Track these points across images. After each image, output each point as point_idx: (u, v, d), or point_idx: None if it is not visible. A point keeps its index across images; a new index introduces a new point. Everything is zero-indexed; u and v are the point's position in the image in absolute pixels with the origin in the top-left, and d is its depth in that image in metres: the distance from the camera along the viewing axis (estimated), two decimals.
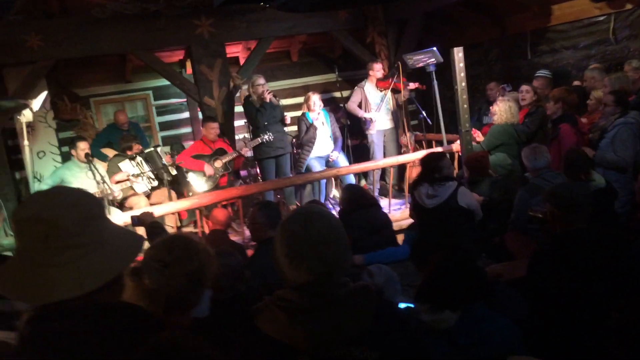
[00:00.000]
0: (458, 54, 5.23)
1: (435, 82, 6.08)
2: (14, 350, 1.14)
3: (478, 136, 5.76)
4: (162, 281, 1.58)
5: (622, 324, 1.61)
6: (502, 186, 4.83)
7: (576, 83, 5.67)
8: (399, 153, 7.43)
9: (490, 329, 2.13)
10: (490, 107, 5.71)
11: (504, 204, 4.56)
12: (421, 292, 2.26)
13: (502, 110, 5.26)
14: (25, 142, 5.26)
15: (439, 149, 5.97)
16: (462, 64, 5.26)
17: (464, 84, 5.32)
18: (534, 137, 5.36)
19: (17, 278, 1.11)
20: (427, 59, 6.05)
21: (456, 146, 5.91)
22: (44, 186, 5.64)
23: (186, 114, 8.56)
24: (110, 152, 6.69)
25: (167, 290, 1.58)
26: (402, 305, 2.56)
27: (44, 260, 1.10)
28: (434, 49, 5.91)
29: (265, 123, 6.28)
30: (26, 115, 5.20)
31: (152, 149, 6.40)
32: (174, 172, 6.28)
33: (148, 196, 6.18)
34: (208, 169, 6.11)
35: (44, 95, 5.50)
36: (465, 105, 5.37)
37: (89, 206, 1.16)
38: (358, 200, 4.31)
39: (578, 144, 4.65)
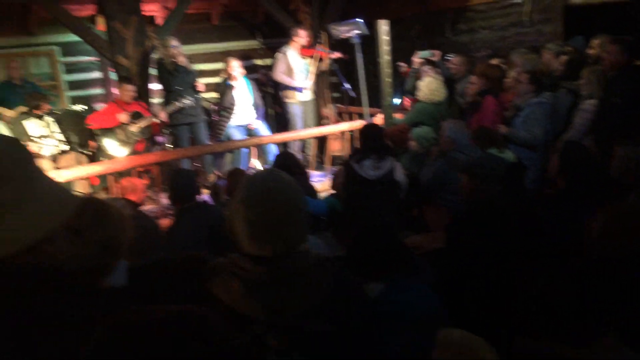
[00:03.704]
0: (383, 26, 5.25)
1: (359, 54, 6.08)
2: None
3: (408, 104, 5.86)
4: (71, 249, 1.43)
5: (546, 288, 1.69)
6: (423, 161, 4.97)
7: (494, 61, 5.87)
8: (319, 124, 7.44)
9: (414, 298, 2.17)
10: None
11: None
12: (345, 261, 2.27)
13: (423, 86, 5.35)
14: None
15: (361, 122, 6.01)
16: (387, 37, 5.30)
17: (387, 57, 5.37)
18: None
19: None
20: (351, 30, 6.03)
21: (378, 119, 5.98)
22: None
23: (98, 74, 8.02)
24: (2, 110, 6.15)
25: (80, 259, 1.43)
26: None
27: None
28: (359, 20, 5.91)
29: (179, 88, 6.02)
30: None
31: (71, 109, 5.98)
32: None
33: (55, 160, 5.79)
34: (122, 117, 5.72)
35: None
36: (389, 79, 5.44)
37: (5, 163, 1.02)
38: (290, 168, 4.28)
39: (497, 117, 4.83)
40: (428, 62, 6.44)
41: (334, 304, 1.40)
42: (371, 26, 5.83)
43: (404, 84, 7.10)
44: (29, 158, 1.09)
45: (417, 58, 6.50)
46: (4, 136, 1.12)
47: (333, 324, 1.37)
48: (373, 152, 4.11)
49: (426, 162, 4.62)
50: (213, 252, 2.57)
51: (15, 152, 1.06)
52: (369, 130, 4.32)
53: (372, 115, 6.37)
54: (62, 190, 1.13)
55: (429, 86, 5.37)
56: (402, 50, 7.66)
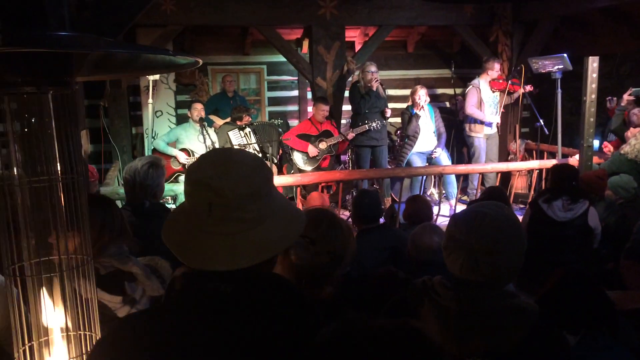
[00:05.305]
0: (593, 63, 4.90)
1: (559, 90, 5.77)
2: (164, 299, 1.16)
3: (608, 149, 5.44)
4: (307, 257, 1.57)
5: None
6: (620, 211, 4.51)
7: None
8: (504, 159, 7.16)
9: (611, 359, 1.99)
10: (629, 130, 5.32)
11: (620, 231, 4.26)
12: (540, 307, 2.15)
13: (638, 145, 4.91)
14: (150, 100, 5.57)
15: (554, 162, 5.65)
16: (595, 75, 4.93)
17: (594, 96, 4.99)
18: None
19: (180, 236, 1.12)
20: (554, 65, 5.72)
21: (573, 161, 5.57)
22: (160, 142, 5.95)
23: (295, 92, 8.70)
24: (215, 119, 6.95)
25: (311, 267, 1.57)
26: None
27: (205, 226, 1.08)
28: (565, 55, 5.59)
29: (366, 111, 6.25)
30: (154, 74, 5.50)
31: (266, 122, 6.58)
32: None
33: None
34: (312, 150, 6.19)
35: None
36: (592, 119, 5.04)
37: (258, 182, 1.11)
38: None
39: None
40: (638, 101, 5.86)
41: (528, 353, 1.36)
42: (576, 61, 5.48)
43: (606, 124, 6.54)
44: (271, 175, 1.18)
45: (627, 95, 5.95)
46: (253, 154, 1.23)
47: None
48: (565, 193, 3.84)
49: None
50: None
51: (263, 172, 1.15)
52: (563, 170, 4.03)
53: (565, 155, 5.96)
54: (292, 205, 1.23)
55: (637, 146, 4.92)
56: (605, 90, 7.07)
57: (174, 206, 5.05)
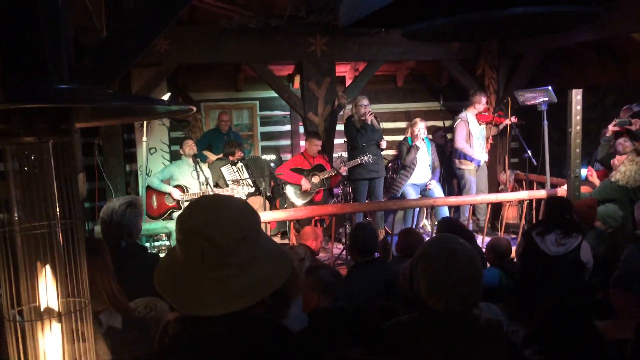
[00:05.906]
0: (577, 96, 5.04)
1: (545, 122, 5.90)
2: (158, 346, 1.20)
3: (592, 176, 5.53)
4: None
5: None
6: (610, 240, 4.57)
7: None
8: (494, 190, 7.26)
9: None
10: (616, 158, 5.41)
11: (610, 260, 4.32)
12: (531, 339, 2.20)
13: (623, 170, 5.01)
14: (144, 138, 5.65)
15: (542, 192, 5.75)
16: (579, 107, 5.07)
17: (578, 127, 5.12)
18: None
19: (174, 282, 1.16)
20: (540, 97, 5.86)
21: (561, 191, 5.67)
22: (154, 179, 6.01)
23: (287, 127, 8.82)
24: (209, 154, 7.03)
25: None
26: None
27: (198, 273, 1.12)
28: (549, 88, 5.73)
29: (363, 144, 6.34)
30: None
31: (258, 157, 6.65)
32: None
33: None
34: (305, 184, 6.26)
35: (167, 96, 5.92)
36: (578, 150, 5.16)
37: (246, 227, 1.16)
38: (458, 233, 4.23)
39: None
40: (621, 132, 5.99)
41: None
42: (562, 93, 5.62)
43: (593, 154, 6.65)
44: (259, 220, 1.24)
45: (612, 126, 6.08)
46: (242, 201, 1.30)
47: None
48: (558, 226, 3.87)
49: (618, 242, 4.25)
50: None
51: (250, 216, 1.21)
52: (557, 203, 4.07)
53: (554, 185, 6.05)
54: (277, 245, 1.29)
55: (627, 172, 5.02)
56: (591, 121, 7.22)
57: (168, 243, 5.08)
